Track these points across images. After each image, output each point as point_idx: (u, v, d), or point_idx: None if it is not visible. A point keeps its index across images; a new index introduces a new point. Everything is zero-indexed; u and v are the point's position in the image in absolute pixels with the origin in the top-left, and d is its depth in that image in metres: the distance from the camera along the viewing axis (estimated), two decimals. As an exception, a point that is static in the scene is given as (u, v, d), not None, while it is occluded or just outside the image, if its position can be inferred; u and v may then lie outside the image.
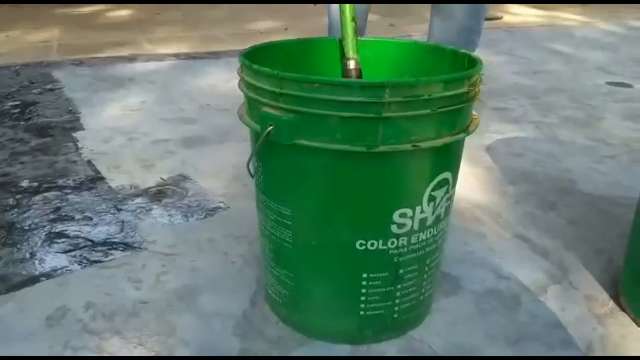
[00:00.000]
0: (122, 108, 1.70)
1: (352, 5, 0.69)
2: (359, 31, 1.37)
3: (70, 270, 0.90)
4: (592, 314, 0.82)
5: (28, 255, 0.93)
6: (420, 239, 0.67)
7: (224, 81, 1.96)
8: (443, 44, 1.24)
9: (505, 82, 2.08)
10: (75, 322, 0.78)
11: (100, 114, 1.64)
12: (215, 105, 1.73)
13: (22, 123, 1.56)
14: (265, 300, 0.82)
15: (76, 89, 1.87)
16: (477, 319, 0.80)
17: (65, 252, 0.95)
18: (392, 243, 0.65)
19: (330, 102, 0.56)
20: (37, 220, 1.05)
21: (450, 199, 0.69)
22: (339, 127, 0.57)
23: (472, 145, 1.45)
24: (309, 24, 3.06)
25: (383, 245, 0.65)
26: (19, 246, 0.96)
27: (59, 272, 0.89)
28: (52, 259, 0.92)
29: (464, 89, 0.59)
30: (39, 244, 0.97)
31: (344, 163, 0.60)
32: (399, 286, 0.70)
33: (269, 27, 3.07)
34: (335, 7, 1.05)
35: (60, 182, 1.20)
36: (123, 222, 1.04)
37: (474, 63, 0.67)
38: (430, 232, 0.68)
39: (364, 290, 0.68)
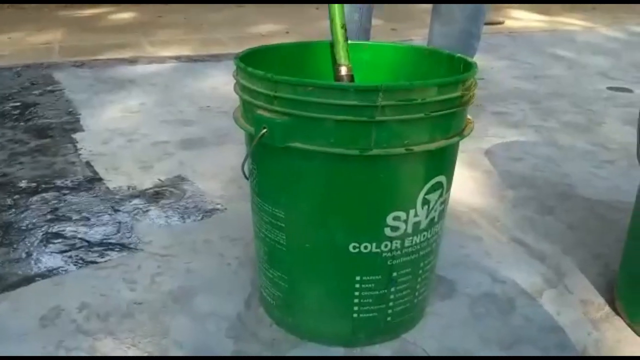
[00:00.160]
0: (122, 109, 1.70)
1: (341, 12, 0.70)
2: (365, 33, 1.38)
3: (65, 270, 0.90)
4: (587, 318, 0.81)
5: (24, 255, 0.93)
6: (414, 242, 0.67)
7: (224, 83, 1.97)
8: (442, 48, 1.24)
9: (505, 86, 2.08)
10: (68, 322, 0.78)
11: (100, 115, 1.65)
12: (215, 107, 1.73)
13: (22, 124, 1.56)
14: (259, 302, 0.82)
15: (76, 90, 1.87)
16: (472, 322, 0.80)
17: (61, 252, 0.95)
18: (386, 246, 0.65)
19: (324, 105, 0.56)
20: (34, 220, 1.05)
21: (445, 202, 0.69)
22: (332, 130, 0.57)
23: (471, 149, 1.45)
24: (310, 27, 3.07)
25: (376, 248, 0.65)
26: (15, 246, 0.96)
27: (55, 272, 0.89)
28: (48, 259, 0.93)
29: (458, 93, 0.59)
30: (35, 244, 0.97)
31: (337, 166, 0.60)
32: (392, 289, 0.69)
33: (270, 30, 3.08)
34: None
35: (58, 182, 1.21)
36: (120, 222, 1.04)
37: (469, 67, 0.67)
38: (424, 236, 0.68)
39: (357, 293, 0.68)
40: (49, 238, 0.99)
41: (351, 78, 0.72)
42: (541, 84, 2.12)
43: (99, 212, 1.08)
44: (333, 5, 0.70)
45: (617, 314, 0.82)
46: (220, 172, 1.26)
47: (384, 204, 0.63)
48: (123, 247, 0.96)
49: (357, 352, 0.73)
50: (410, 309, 0.74)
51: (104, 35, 2.82)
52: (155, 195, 1.16)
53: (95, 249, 0.96)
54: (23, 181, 1.21)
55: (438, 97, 0.58)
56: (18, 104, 1.73)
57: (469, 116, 0.69)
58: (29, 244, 0.97)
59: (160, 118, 1.63)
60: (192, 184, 1.21)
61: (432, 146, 0.60)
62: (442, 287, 0.87)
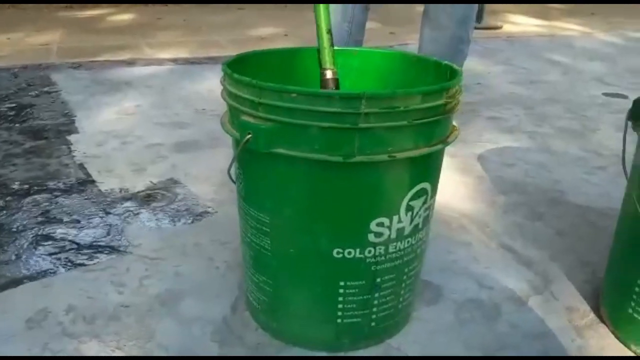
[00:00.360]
0: (118, 112, 1.71)
1: (327, 16, 0.70)
2: (356, 45, 1.38)
3: (54, 272, 0.90)
4: (571, 325, 0.82)
5: (13, 257, 0.94)
6: (398, 248, 0.68)
7: (221, 86, 1.97)
8: (432, 53, 1.25)
9: (501, 91, 2.09)
10: (55, 325, 0.78)
11: (96, 117, 1.65)
12: (210, 110, 1.74)
13: (17, 125, 1.57)
14: (245, 306, 0.82)
15: (73, 91, 1.88)
16: (457, 328, 0.80)
17: (51, 254, 0.95)
18: (369, 252, 0.66)
19: (308, 112, 0.56)
20: (24, 222, 1.05)
21: (429, 208, 0.70)
22: (316, 137, 0.58)
23: (464, 154, 1.46)
24: (309, 30, 3.07)
25: (360, 254, 0.66)
26: (4, 247, 0.96)
27: (43, 274, 0.89)
28: (37, 261, 0.93)
29: (442, 101, 0.60)
30: (25, 246, 0.97)
31: (321, 172, 0.61)
32: (376, 294, 0.70)
33: (269, 33, 3.08)
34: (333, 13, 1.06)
35: (51, 184, 1.21)
36: (110, 225, 1.05)
37: (455, 74, 0.67)
38: (408, 242, 0.68)
39: (340, 298, 0.69)
40: (38, 240, 0.99)
41: (336, 82, 0.72)
42: (537, 90, 2.13)
43: (90, 215, 1.09)
44: (319, 9, 0.70)
45: (602, 321, 0.82)
46: (212, 175, 1.27)
47: (368, 210, 0.63)
48: (112, 249, 0.97)
49: (341, 357, 0.74)
50: (394, 314, 0.74)
51: (103, 36, 2.83)
52: (146, 198, 1.16)
53: (85, 251, 0.96)
54: (16, 183, 1.21)
55: (421, 105, 0.58)
56: (14, 105, 1.74)
57: (454, 123, 0.69)
58: (18, 246, 0.97)
59: (155, 120, 1.64)
60: (184, 187, 1.21)
61: (415, 153, 0.60)
62: (428, 293, 0.88)
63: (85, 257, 0.95)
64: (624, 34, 3.48)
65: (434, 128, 0.62)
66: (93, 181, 1.23)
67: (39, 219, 1.07)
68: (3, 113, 1.66)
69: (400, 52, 0.82)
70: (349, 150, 0.57)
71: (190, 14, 3.62)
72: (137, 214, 1.09)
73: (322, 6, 0.69)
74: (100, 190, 1.19)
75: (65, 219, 1.07)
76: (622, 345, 0.78)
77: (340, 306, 0.69)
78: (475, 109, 1.85)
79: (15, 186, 1.20)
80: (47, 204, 1.13)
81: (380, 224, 0.64)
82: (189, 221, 1.08)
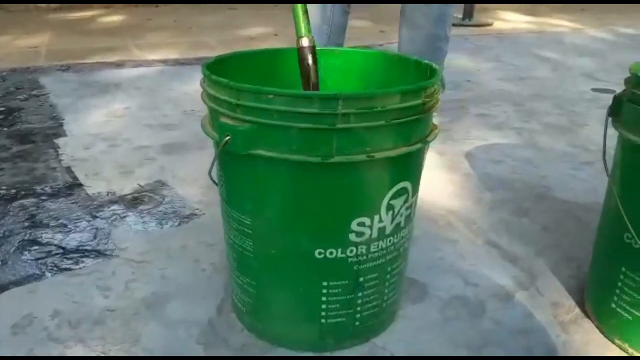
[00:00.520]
0: (106, 114, 1.70)
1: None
2: (338, 47, 1.38)
3: (40, 277, 0.90)
4: (556, 320, 0.82)
5: (-1, 263, 0.93)
6: (380, 247, 0.68)
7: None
8: (411, 52, 1.25)
9: (490, 88, 2.10)
10: (40, 330, 0.78)
11: (84, 119, 1.65)
12: (198, 111, 1.73)
13: (5, 129, 1.56)
14: (231, 308, 0.82)
15: (61, 94, 1.87)
16: (442, 325, 0.80)
17: (37, 259, 0.95)
18: (351, 251, 0.66)
19: (285, 113, 0.57)
20: (11, 227, 1.05)
21: (411, 207, 0.70)
22: (294, 138, 0.58)
23: (452, 152, 1.46)
24: (299, 29, 3.07)
25: (342, 254, 0.66)
26: (-10, 253, 0.96)
27: (29, 279, 0.89)
28: (23, 267, 0.93)
29: (419, 101, 0.60)
30: (11, 251, 0.97)
31: (300, 173, 0.61)
32: (360, 294, 0.70)
33: (259, 32, 3.08)
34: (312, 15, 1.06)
35: (38, 188, 1.21)
36: (97, 229, 1.05)
37: (434, 73, 0.68)
38: (390, 240, 0.69)
39: (324, 298, 0.69)
40: (25, 245, 0.99)
41: (313, 50, 0.71)
42: (525, 86, 2.13)
43: (76, 219, 1.08)
44: None
45: (587, 315, 0.83)
46: (200, 177, 1.27)
47: (348, 210, 0.63)
48: (99, 253, 0.97)
49: (326, 356, 0.74)
50: (378, 313, 0.74)
51: (92, 38, 2.81)
52: (134, 201, 1.16)
53: (71, 255, 0.96)
54: (3, 187, 1.21)
55: (399, 105, 0.58)
56: (2, 109, 1.73)
57: (434, 122, 0.70)
58: (4, 252, 0.97)
59: (143, 122, 1.63)
60: (172, 189, 1.21)
61: (394, 153, 0.61)
62: (414, 290, 0.88)
63: (71, 261, 0.94)
64: (614, 30, 3.50)
65: (413, 127, 0.62)
66: (80, 185, 1.23)
67: (26, 223, 1.07)
68: (-10, 117, 1.65)
69: (382, 51, 0.82)
70: (328, 151, 0.58)
71: (180, 14, 3.61)
72: (124, 217, 1.09)
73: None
74: (87, 193, 1.19)
75: (52, 223, 1.07)
76: (606, 340, 0.78)
77: (323, 306, 0.69)
78: (464, 106, 1.86)
79: (2, 191, 1.19)
80: (33, 208, 1.12)
81: (361, 224, 0.64)
82: (176, 223, 1.07)
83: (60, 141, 1.48)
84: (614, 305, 0.76)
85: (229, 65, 0.71)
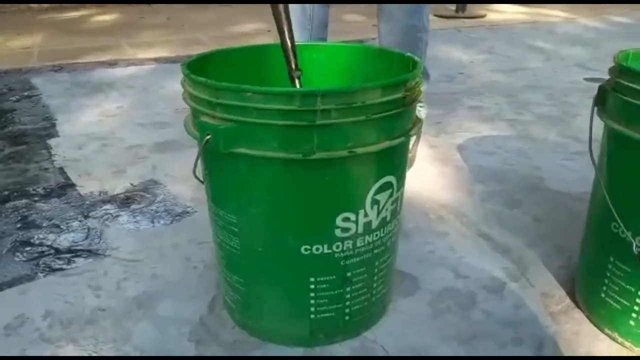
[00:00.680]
0: (99, 114, 1.70)
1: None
2: (321, 41, 1.38)
3: (32, 278, 0.90)
4: (547, 311, 0.83)
5: (-9, 265, 0.94)
6: (367, 242, 0.68)
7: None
8: (390, 44, 1.25)
9: (483, 80, 2.09)
10: (32, 331, 0.78)
11: (76, 120, 1.65)
12: (191, 109, 1.73)
13: (-3, 131, 1.56)
14: (222, 305, 0.82)
15: (54, 95, 1.87)
16: (432, 318, 0.81)
17: (29, 260, 0.95)
18: (337, 247, 0.66)
19: (264, 111, 0.57)
20: (3, 229, 1.05)
21: (397, 201, 0.70)
22: (275, 135, 0.58)
23: (444, 145, 1.46)
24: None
25: (328, 249, 0.66)
26: (-18, 255, 0.96)
27: (21, 280, 0.89)
28: (15, 268, 0.93)
29: (400, 94, 0.60)
30: (4, 253, 0.97)
31: (282, 170, 0.61)
32: (348, 289, 0.70)
33: (252, 29, 3.07)
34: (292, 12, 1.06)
35: (30, 189, 1.21)
36: (89, 229, 1.05)
37: (416, 66, 0.68)
38: (377, 235, 0.69)
39: (312, 294, 0.69)
40: (17, 246, 0.99)
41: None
42: (518, 77, 2.13)
43: (68, 219, 1.09)
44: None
45: (577, 306, 0.83)
46: (192, 175, 1.27)
47: (332, 206, 0.63)
48: (90, 253, 0.97)
49: (316, 351, 0.74)
50: (368, 307, 0.74)
51: (85, 38, 2.80)
52: (126, 200, 1.16)
53: (63, 256, 0.96)
54: (-5, 189, 1.21)
55: (379, 99, 0.58)
56: (-6, 110, 1.73)
57: (417, 114, 0.69)
58: (-4, 253, 0.97)
59: (136, 121, 1.63)
60: (164, 188, 1.21)
61: (376, 148, 0.61)
62: (405, 284, 0.88)
63: (63, 261, 0.95)
64: (607, 19, 3.49)
65: (394, 121, 0.62)
66: (73, 185, 1.23)
67: (18, 225, 1.07)
68: (-18, 119, 1.65)
69: (365, 45, 0.82)
70: (309, 148, 0.58)
71: (174, 12, 3.59)
72: (116, 216, 1.09)
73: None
74: (79, 194, 1.19)
75: (44, 224, 1.07)
76: (596, 330, 0.79)
77: (312, 302, 0.70)
78: (458, 98, 1.86)
79: (-6, 193, 1.19)
80: (26, 209, 1.13)
81: (346, 219, 0.64)
82: (168, 222, 1.08)
83: (52, 142, 1.48)
84: (603, 295, 0.76)
85: (210, 64, 0.71)
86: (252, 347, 0.75)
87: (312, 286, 0.69)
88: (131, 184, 1.23)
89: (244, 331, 0.77)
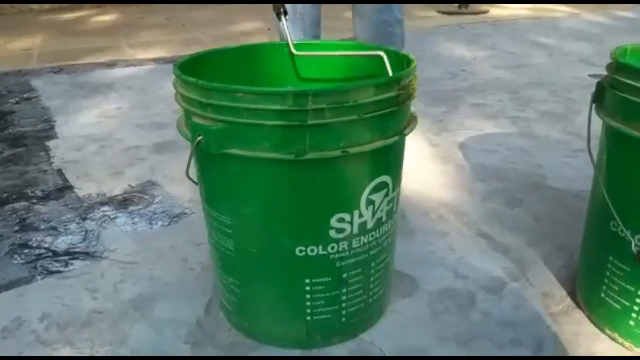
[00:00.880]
0: (98, 115, 1.70)
1: None
2: (315, 39, 1.38)
3: (30, 281, 0.90)
4: (547, 311, 0.81)
5: (-12, 267, 0.94)
6: (362, 242, 0.67)
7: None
8: (365, 40, 1.27)
9: (485, 76, 2.08)
10: (29, 333, 0.78)
11: (75, 121, 1.65)
12: (191, 109, 1.73)
13: (-3, 133, 1.56)
14: (219, 307, 0.82)
15: (53, 96, 1.87)
16: (430, 319, 0.80)
17: (27, 262, 0.95)
18: (332, 248, 0.65)
19: (255, 111, 0.56)
20: (2, 231, 1.05)
21: (392, 201, 0.69)
22: (266, 136, 0.57)
23: (446, 143, 1.45)
24: (293, 23, 3.05)
25: (323, 250, 0.65)
26: (-20, 258, 0.96)
27: (19, 283, 0.89)
28: (13, 270, 0.93)
29: (393, 93, 0.59)
30: (2, 255, 0.97)
31: (274, 171, 0.60)
32: (344, 290, 0.70)
33: (252, 27, 3.06)
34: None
35: (29, 192, 1.21)
36: (86, 231, 1.05)
37: (410, 64, 0.67)
38: (372, 235, 0.68)
39: (308, 296, 0.68)
40: (15, 249, 0.99)
41: None
42: (522, 73, 2.11)
43: (66, 221, 1.08)
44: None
45: (578, 306, 0.82)
46: (192, 175, 1.26)
47: (326, 206, 0.63)
48: (88, 255, 0.97)
49: (313, 353, 0.74)
50: (365, 308, 0.74)
51: (85, 39, 2.81)
52: (124, 202, 1.16)
53: (60, 258, 0.96)
54: (-6, 192, 1.21)
55: (372, 99, 0.58)
56: (-6, 113, 1.73)
57: (412, 112, 0.68)
58: (-6, 256, 0.97)
59: (135, 122, 1.63)
60: (162, 189, 1.21)
61: (370, 147, 0.60)
62: (404, 285, 0.87)
63: (60, 264, 0.94)
64: (612, 14, 3.45)
65: (388, 120, 0.61)
66: (71, 187, 1.23)
67: (16, 227, 1.07)
68: (-18, 122, 1.65)
69: (359, 42, 0.81)
70: (301, 148, 0.57)
71: (173, 11, 3.59)
72: (114, 218, 1.09)
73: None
74: (78, 195, 1.19)
75: (42, 226, 1.07)
76: (597, 330, 0.77)
77: (308, 303, 0.69)
78: (460, 95, 1.85)
79: (-7, 195, 1.19)
80: (24, 211, 1.12)
81: (341, 220, 0.64)
82: (166, 223, 1.07)
83: (51, 143, 1.48)
84: (602, 295, 0.75)
85: (204, 64, 0.70)
86: (248, 349, 0.75)
87: (308, 287, 0.68)
88: (129, 186, 1.23)
89: (240, 333, 0.77)
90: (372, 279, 0.72)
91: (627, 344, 0.73)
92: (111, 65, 2.25)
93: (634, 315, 0.71)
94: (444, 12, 3.42)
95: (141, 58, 2.38)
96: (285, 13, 0.78)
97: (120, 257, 0.96)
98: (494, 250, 0.97)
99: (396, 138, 0.62)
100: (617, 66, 0.67)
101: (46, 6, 3.63)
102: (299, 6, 1.22)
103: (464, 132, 1.53)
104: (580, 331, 0.78)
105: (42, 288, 0.88)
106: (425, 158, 1.36)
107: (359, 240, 0.67)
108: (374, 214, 0.66)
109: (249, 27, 3.06)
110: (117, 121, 1.64)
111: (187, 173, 0.67)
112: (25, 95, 1.88)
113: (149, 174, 1.28)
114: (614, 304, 0.73)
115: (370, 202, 0.65)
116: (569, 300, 0.84)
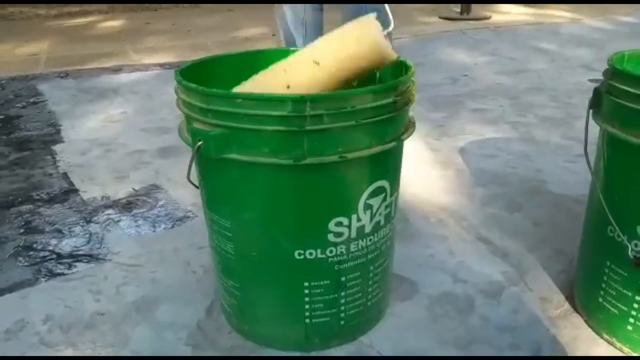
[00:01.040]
0: (103, 119, 1.72)
1: None
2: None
3: (33, 283, 0.91)
4: (545, 315, 0.82)
5: (-6, 270, 0.95)
6: (360, 246, 0.68)
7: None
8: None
9: (486, 82, 2.08)
10: (32, 335, 0.79)
11: (81, 125, 1.67)
12: (194, 114, 1.74)
13: (3, 137, 1.58)
14: (220, 310, 0.83)
15: (59, 101, 1.89)
16: (429, 323, 0.80)
17: (31, 265, 0.96)
18: (331, 251, 0.66)
19: (254, 117, 0.57)
20: (7, 234, 1.07)
21: (390, 205, 0.70)
22: (266, 141, 0.58)
23: (446, 148, 1.46)
24: (296, 28, 3.07)
25: (321, 254, 0.66)
26: (-15, 261, 0.98)
27: (23, 285, 0.91)
28: (17, 273, 0.94)
29: (390, 99, 0.60)
30: (6, 258, 0.99)
31: (273, 175, 0.61)
32: (342, 293, 0.70)
33: (256, 33, 3.09)
34: (286, 16, 1.06)
35: (34, 195, 1.22)
36: (90, 234, 1.06)
37: (408, 70, 0.68)
38: (370, 239, 0.69)
39: (307, 299, 0.69)
40: (19, 251, 1.01)
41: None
42: (522, 79, 2.12)
43: (71, 224, 1.10)
44: None
45: (576, 310, 0.83)
46: (193, 179, 1.27)
47: (324, 210, 0.64)
48: (92, 258, 0.98)
49: (312, 355, 0.74)
50: (364, 311, 0.74)
51: (91, 44, 2.84)
52: (128, 205, 1.17)
53: (64, 260, 0.97)
54: (0, 195, 1.23)
55: (369, 104, 0.59)
56: (1, 117, 1.75)
57: (410, 118, 0.69)
58: (0, 258, 0.98)
59: (140, 126, 1.65)
60: (166, 193, 1.22)
61: (367, 152, 0.61)
62: (403, 288, 0.88)
63: (64, 266, 0.96)
64: (613, 19, 3.46)
65: (386, 126, 0.62)
66: (76, 190, 1.25)
67: (21, 230, 1.08)
68: (-11, 126, 1.68)
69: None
70: (299, 153, 0.58)
71: (179, 17, 3.62)
72: (118, 221, 1.11)
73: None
74: (82, 199, 1.21)
75: (47, 229, 1.08)
76: (594, 335, 0.78)
77: (307, 306, 0.70)
78: (461, 101, 1.85)
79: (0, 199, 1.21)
80: (29, 214, 1.14)
81: (339, 224, 0.65)
82: (169, 226, 1.08)
83: (57, 147, 1.50)
84: (600, 299, 0.76)
85: (205, 70, 0.72)
86: (248, 351, 0.76)
87: (307, 291, 0.69)
88: (133, 189, 1.24)
89: (241, 336, 0.77)
90: (370, 282, 0.73)
91: (625, 348, 0.74)
92: (117, 70, 2.28)
93: (631, 320, 0.71)
94: (445, 18, 3.43)
95: (147, 63, 2.40)
96: None
97: (123, 259, 0.97)
98: (493, 255, 0.97)
99: (394, 143, 0.63)
100: (614, 72, 0.68)
101: (53, 12, 3.67)
102: (301, 11, 1.24)
103: (465, 137, 1.53)
104: (578, 336, 0.78)
105: (45, 290, 0.90)
106: (426, 163, 1.37)
107: (357, 244, 0.68)
108: (372, 218, 0.67)
109: (253, 33, 3.09)
110: (122, 126, 1.66)
111: (188, 177, 0.68)
112: (32, 100, 1.91)
113: (153, 177, 1.30)
114: (612, 309, 0.74)
115: (368, 207, 0.66)
116: (567, 305, 0.84)
